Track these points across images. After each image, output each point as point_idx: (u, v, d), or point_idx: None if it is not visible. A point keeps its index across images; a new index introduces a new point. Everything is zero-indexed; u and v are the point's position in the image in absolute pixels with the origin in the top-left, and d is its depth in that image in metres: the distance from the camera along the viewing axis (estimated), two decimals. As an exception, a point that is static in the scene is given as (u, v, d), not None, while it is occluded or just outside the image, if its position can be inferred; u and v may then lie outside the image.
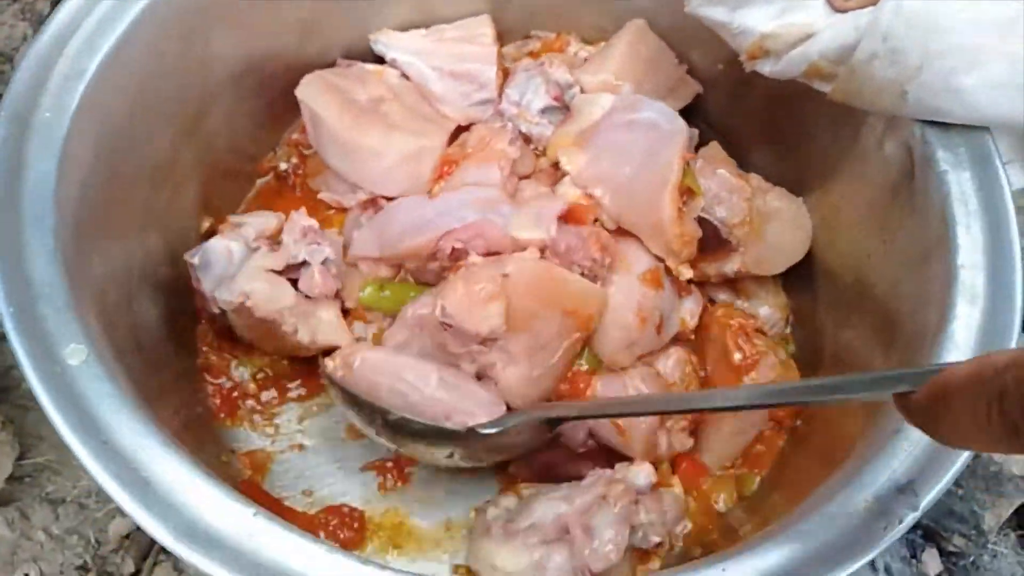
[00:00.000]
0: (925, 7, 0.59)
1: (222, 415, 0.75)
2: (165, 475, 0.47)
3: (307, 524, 0.73)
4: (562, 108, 0.82)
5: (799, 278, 0.80)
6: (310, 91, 0.78)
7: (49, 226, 0.55)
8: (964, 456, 0.52)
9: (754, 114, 0.84)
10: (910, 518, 0.49)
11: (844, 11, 0.62)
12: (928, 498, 0.50)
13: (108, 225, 0.63)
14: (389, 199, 0.77)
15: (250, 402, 0.76)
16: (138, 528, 0.78)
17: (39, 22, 0.85)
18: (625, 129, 0.74)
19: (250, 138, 0.84)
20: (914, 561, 0.79)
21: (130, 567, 0.76)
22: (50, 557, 0.75)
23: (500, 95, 0.83)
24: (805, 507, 0.52)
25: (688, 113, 0.87)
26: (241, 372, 0.77)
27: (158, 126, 0.70)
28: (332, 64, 0.83)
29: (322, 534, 0.73)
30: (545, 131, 0.81)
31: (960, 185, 0.64)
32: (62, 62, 0.60)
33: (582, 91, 0.82)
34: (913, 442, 0.53)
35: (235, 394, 0.76)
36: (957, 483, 0.82)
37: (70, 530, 0.76)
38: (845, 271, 0.75)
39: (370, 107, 0.79)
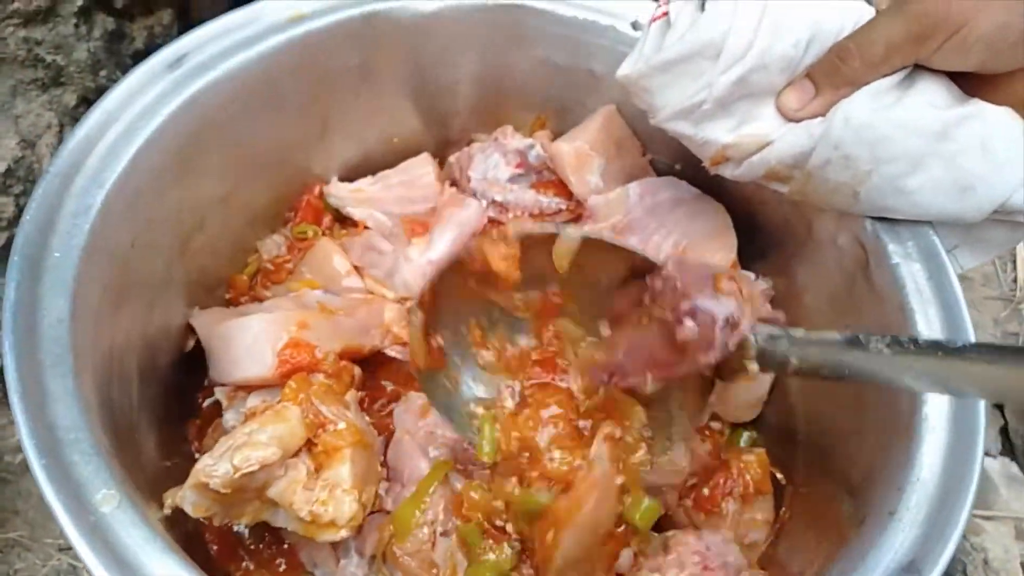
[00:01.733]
0: (871, 119, 0.65)
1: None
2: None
3: None
4: (528, 172, 0.88)
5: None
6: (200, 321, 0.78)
7: (68, 369, 0.55)
8: (959, 529, 0.57)
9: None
10: (918, 600, 0.53)
11: (797, 120, 0.69)
12: (936, 572, 0.54)
13: (112, 356, 0.63)
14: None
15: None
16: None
17: (64, 113, 0.87)
18: (654, 211, 0.84)
19: (231, 252, 0.85)
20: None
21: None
22: None
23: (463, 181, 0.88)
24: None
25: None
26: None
27: (155, 251, 0.71)
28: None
29: None
30: (522, 196, 0.86)
31: (913, 276, 0.70)
32: (69, 200, 0.61)
33: (544, 152, 0.87)
34: (908, 523, 0.57)
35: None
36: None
37: None
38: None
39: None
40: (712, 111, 0.67)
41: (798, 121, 0.68)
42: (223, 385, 0.72)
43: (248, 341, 0.71)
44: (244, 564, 0.75)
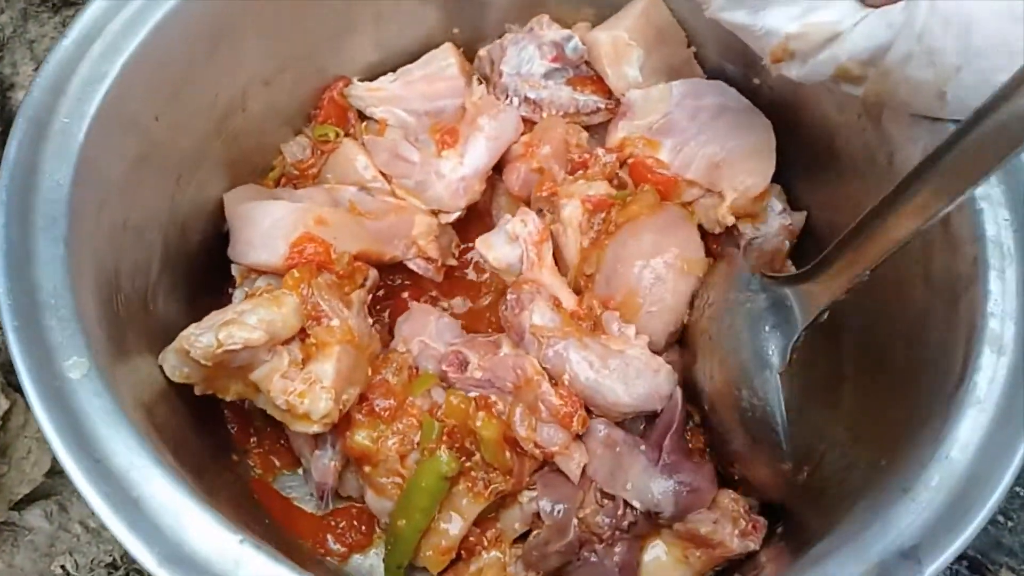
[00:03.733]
0: (960, 4, 0.55)
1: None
2: (155, 497, 0.48)
3: (315, 525, 0.74)
4: (565, 67, 0.81)
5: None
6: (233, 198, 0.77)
7: (60, 234, 0.55)
8: (978, 521, 0.50)
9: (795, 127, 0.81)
10: (911, 590, 0.47)
11: (875, 6, 0.58)
12: (933, 568, 0.48)
13: (127, 226, 0.64)
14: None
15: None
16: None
17: None
18: (696, 115, 0.77)
19: (273, 136, 0.83)
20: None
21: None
22: (84, 551, 0.77)
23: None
24: (802, 567, 0.50)
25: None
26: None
27: (185, 128, 0.70)
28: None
29: (330, 536, 0.74)
30: (557, 93, 0.80)
31: (997, 226, 0.61)
32: (83, 66, 0.60)
33: (583, 44, 0.81)
34: (922, 503, 0.51)
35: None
36: (1006, 514, 0.79)
37: (105, 525, 0.79)
38: (872, 305, 0.72)
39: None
40: None
41: (875, 7, 0.58)
42: (239, 264, 0.72)
43: (266, 226, 0.70)
44: (253, 440, 0.77)
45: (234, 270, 0.73)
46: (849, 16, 0.59)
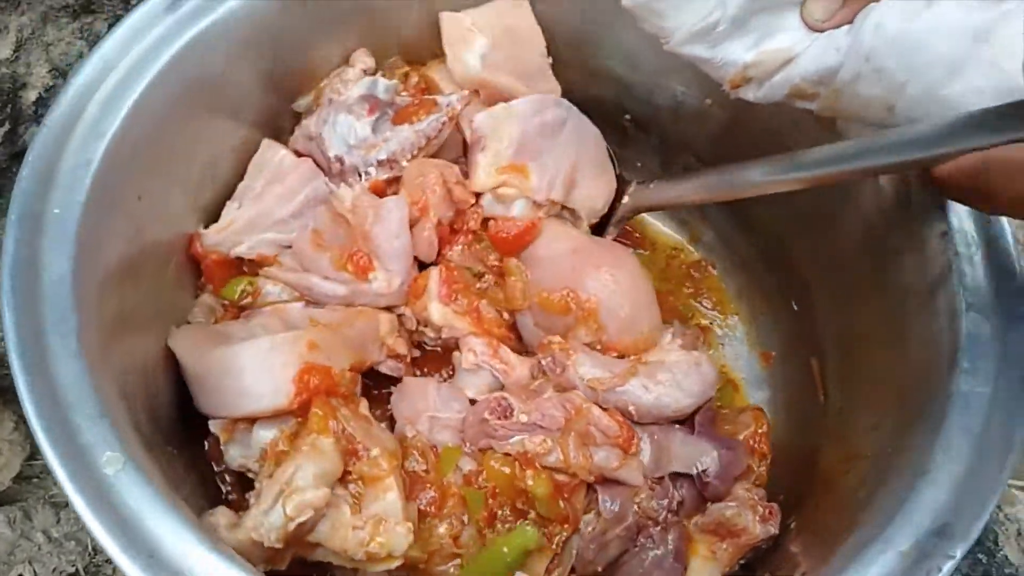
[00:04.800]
0: (904, 24, 0.60)
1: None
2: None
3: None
4: (385, 109, 0.75)
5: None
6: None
7: (72, 328, 0.54)
8: (999, 489, 0.54)
9: (745, 140, 0.85)
10: (950, 565, 0.51)
11: (820, 31, 0.63)
12: (967, 540, 0.52)
13: (123, 317, 0.62)
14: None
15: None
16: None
17: (95, 42, 0.83)
18: (543, 132, 0.76)
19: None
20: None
21: (120, 580, 0.74)
22: (45, 560, 0.75)
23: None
24: (842, 560, 0.53)
25: (676, 147, 0.90)
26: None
27: (164, 204, 0.69)
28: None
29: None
30: (399, 136, 0.74)
31: (959, 216, 0.66)
32: (68, 154, 0.59)
33: (387, 78, 0.77)
34: (942, 483, 0.54)
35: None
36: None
37: (68, 535, 0.76)
38: (846, 302, 0.77)
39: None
40: (728, 31, 0.63)
41: (820, 31, 0.63)
42: (219, 418, 0.66)
43: (259, 368, 0.63)
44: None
45: (214, 426, 0.66)
46: (800, 41, 0.63)
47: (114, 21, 0.85)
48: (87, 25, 0.85)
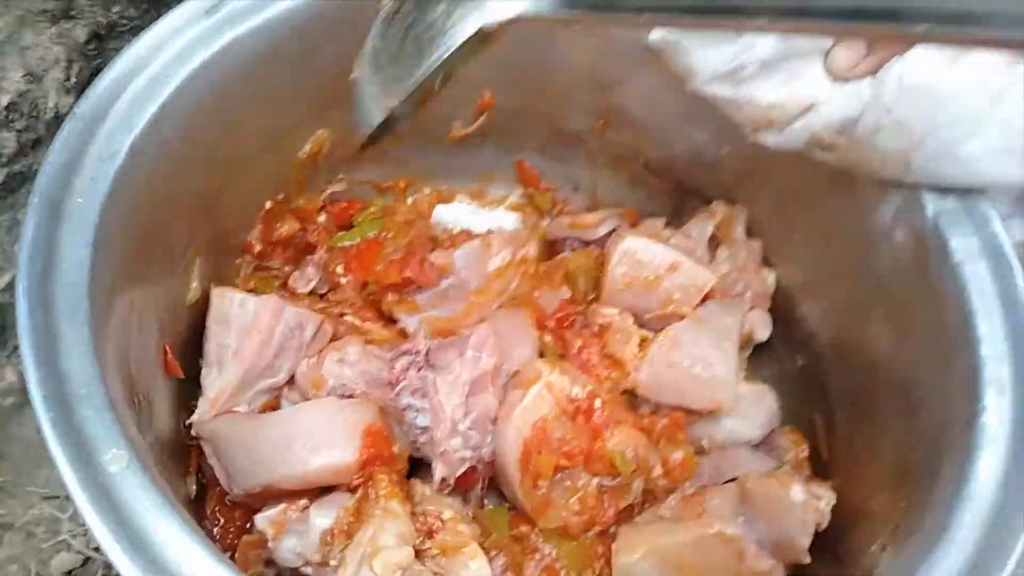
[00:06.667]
0: (927, 80, 0.61)
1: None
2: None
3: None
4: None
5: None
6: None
7: (84, 318, 0.52)
8: (1019, 546, 0.53)
9: (761, 192, 0.86)
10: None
11: (845, 80, 0.63)
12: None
13: (131, 313, 0.61)
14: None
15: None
16: (82, 566, 0.75)
17: (73, 49, 0.82)
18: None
19: (256, 213, 0.82)
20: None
21: (66, 606, 0.71)
22: None
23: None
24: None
25: (689, 193, 0.90)
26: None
27: (182, 206, 0.68)
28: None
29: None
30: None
31: (977, 277, 0.66)
32: (95, 144, 0.58)
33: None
34: (962, 541, 0.54)
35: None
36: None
37: (12, 558, 0.73)
38: (858, 359, 0.77)
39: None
40: (755, 72, 0.63)
41: (846, 81, 0.63)
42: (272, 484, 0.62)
43: (326, 423, 0.62)
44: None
45: (262, 522, 0.62)
46: (823, 90, 0.64)
47: (94, 28, 0.83)
48: (66, 31, 0.82)
